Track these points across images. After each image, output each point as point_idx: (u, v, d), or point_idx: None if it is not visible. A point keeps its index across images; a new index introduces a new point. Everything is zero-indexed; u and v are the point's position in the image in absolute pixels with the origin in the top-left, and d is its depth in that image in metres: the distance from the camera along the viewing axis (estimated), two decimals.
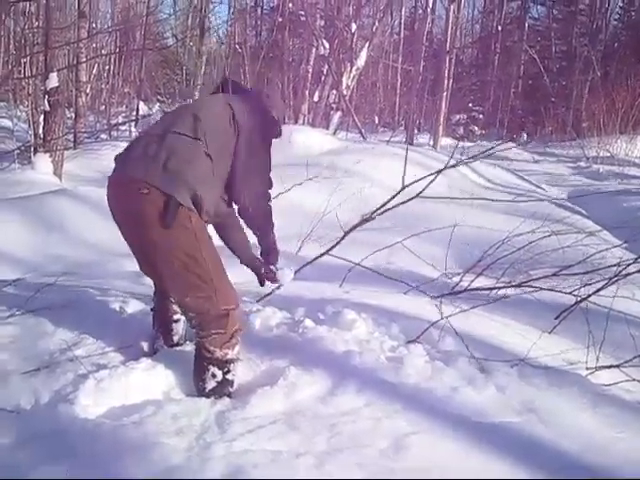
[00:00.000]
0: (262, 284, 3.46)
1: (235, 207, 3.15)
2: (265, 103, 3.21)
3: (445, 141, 20.13)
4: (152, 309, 3.35)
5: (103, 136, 15.85)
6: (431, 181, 4.30)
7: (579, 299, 4.07)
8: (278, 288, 3.78)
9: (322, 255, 4.35)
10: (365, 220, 4.25)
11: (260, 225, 3.21)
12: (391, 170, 8.61)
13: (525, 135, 27.11)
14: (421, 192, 4.25)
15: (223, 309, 2.85)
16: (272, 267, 3.35)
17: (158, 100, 25.07)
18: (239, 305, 3.00)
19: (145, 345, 3.26)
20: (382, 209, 4.34)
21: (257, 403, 2.70)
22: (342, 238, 4.37)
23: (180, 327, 3.31)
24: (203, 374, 2.86)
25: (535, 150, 21.76)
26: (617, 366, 3.28)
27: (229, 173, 2.97)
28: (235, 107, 2.98)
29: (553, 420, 2.77)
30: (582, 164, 17.88)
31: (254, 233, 3.26)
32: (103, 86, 22.37)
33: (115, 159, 2.95)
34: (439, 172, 4.26)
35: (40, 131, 10.45)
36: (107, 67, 23.33)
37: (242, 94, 3.23)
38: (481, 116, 29.61)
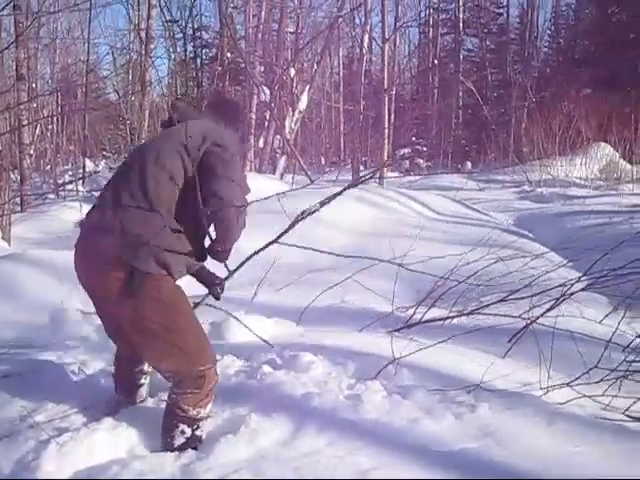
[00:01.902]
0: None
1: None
2: (217, 119, 3.15)
3: (391, 176, 20.39)
4: (113, 374, 3.32)
5: (51, 196, 15.73)
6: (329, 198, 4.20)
7: (529, 322, 4.19)
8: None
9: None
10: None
11: (230, 230, 2.91)
12: (339, 210, 8.75)
13: (469, 164, 27.62)
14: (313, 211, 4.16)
15: (199, 370, 2.84)
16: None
17: (104, 156, 25.03)
18: (215, 363, 2.98)
19: (106, 405, 3.23)
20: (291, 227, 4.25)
21: (221, 452, 2.72)
22: (269, 244, 4.27)
23: (144, 390, 3.29)
24: (172, 431, 2.84)
25: (480, 178, 22.18)
26: (568, 384, 3.38)
27: (205, 190, 2.78)
28: (186, 138, 2.84)
29: (510, 441, 2.85)
30: (526, 188, 18.26)
31: (218, 237, 2.95)
32: (47, 146, 22.26)
33: (80, 223, 2.93)
34: (339, 193, 4.23)
35: None
36: (50, 126, 23.23)
37: (193, 114, 3.14)
38: (425, 149, 30.12)
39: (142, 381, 3.26)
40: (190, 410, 2.84)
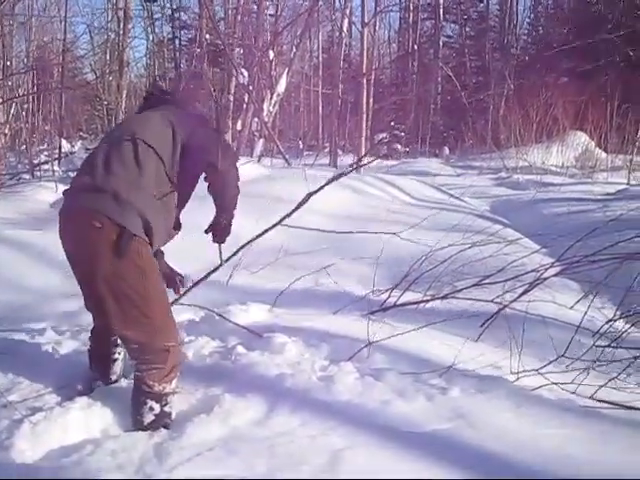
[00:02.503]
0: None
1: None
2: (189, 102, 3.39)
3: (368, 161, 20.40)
4: (89, 349, 3.35)
5: (26, 176, 15.56)
6: (315, 191, 4.30)
7: (501, 306, 4.24)
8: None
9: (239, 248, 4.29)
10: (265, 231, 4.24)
11: (233, 198, 3.19)
12: (318, 195, 8.76)
13: (447, 149, 27.71)
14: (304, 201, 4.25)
15: (164, 345, 2.89)
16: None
17: (80, 137, 24.77)
18: (179, 342, 3.07)
19: (81, 384, 3.24)
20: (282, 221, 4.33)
21: (194, 432, 2.74)
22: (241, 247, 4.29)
23: (118, 367, 3.33)
24: (141, 408, 2.88)
25: (457, 164, 22.28)
26: (537, 371, 3.42)
27: (188, 186, 3.09)
28: (171, 117, 3.04)
29: (481, 423, 2.90)
30: (503, 175, 18.36)
31: (223, 203, 3.18)
32: (22, 125, 21.98)
33: (64, 193, 2.98)
34: (328, 182, 4.32)
35: None
36: (25, 106, 22.94)
37: (170, 102, 3.28)
38: (403, 134, 30.14)
39: (116, 356, 3.30)
40: (155, 385, 2.88)
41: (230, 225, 3.24)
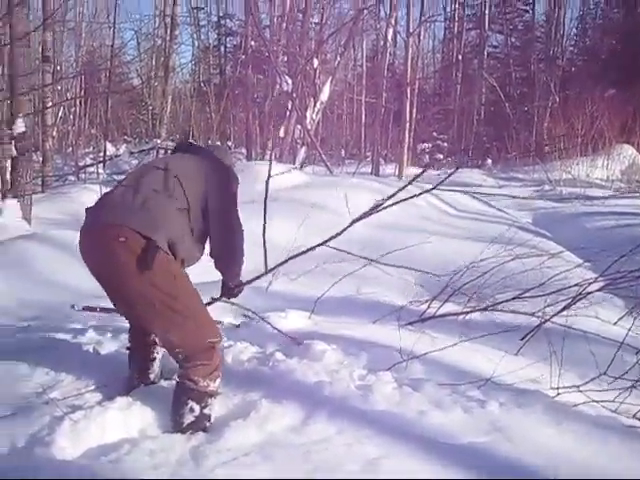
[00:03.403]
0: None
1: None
2: (221, 157, 3.39)
3: (411, 170, 20.34)
4: (128, 348, 3.39)
5: (71, 178, 15.81)
6: (379, 204, 4.31)
7: (542, 320, 4.19)
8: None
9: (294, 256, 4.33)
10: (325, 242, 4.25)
11: (236, 269, 3.38)
12: (357, 202, 8.75)
13: (490, 161, 27.49)
14: (370, 213, 4.28)
15: (208, 342, 2.93)
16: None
17: (125, 140, 25.10)
18: (222, 338, 3.11)
19: (121, 384, 3.29)
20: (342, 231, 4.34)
21: (231, 436, 2.76)
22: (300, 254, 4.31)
23: (157, 365, 3.37)
24: (181, 409, 2.91)
25: (500, 175, 22.08)
26: (578, 388, 3.36)
27: (206, 229, 3.12)
28: (201, 165, 3.15)
29: (519, 438, 2.86)
30: (546, 187, 18.14)
31: (227, 275, 3.42)
32: (70, 128, 22.37)
33: (86, 210, 3.02)
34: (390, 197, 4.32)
35: (8, 177, 10.44)
36: (73, 109, 23.35)
37: (199, 152, 3.36)
38: (445, 144, 29.97)
39: (154, 355, 3.35)
40: (200, 381, 2.91)
41: (240, 285, 3.52)
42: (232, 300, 3.85)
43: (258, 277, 4.09)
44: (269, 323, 4.10)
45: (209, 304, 3.78)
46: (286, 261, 4.19)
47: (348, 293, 5.09)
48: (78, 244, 2.97)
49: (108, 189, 3.20)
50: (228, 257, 3.25)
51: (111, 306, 3.32)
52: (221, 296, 3.63)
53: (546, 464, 2.66)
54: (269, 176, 4.31)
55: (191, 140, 3.94)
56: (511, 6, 33.95)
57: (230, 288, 3.48)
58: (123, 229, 2.76)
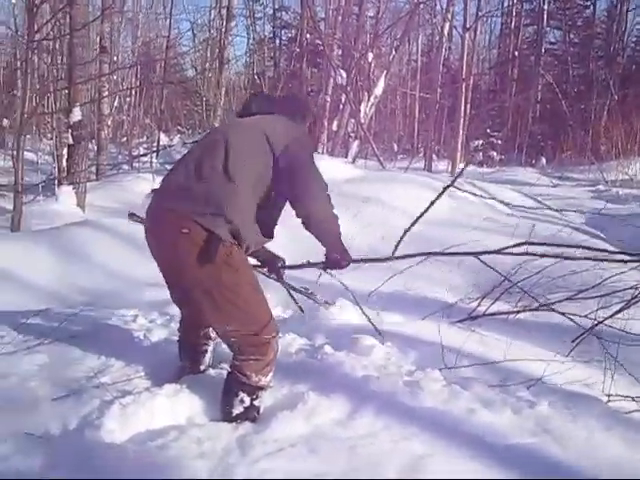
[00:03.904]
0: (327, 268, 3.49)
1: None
2: (293, 111, 3.21)
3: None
4: (178, 340, 3.41)
5: (125, 167, 16.07)
6: (432, 202, 4.29)
7: (595, 322, 4.11)
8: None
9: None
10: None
11: (333, 235, 3.16)
12: (410, 197, 8.70)
13: (544, 159, 27.06)
14: (422, 214, 4.27)
15: (264, 337, 2.91)
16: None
17: (178, 131, 25.41)
18: (278, 333, 3.07)
19: (169, 372, 3.32)
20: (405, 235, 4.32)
21: (277, 427, 2.76)
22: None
23: (208, 357, 3.38)
24: (232, 399, 2.91)
25: (554, 174, 21.74)
26: (632, 398, 3.28)
27: (277, 206, 3.03)
28: (268, 130, 2.95)
29: (568, 441, 2.81)
30: (601, 187, 17.79)
31: (324, 241, 3.18)
32: (124, 118, 22.72)
33: (153, 191, 3.02)
34: (442, 192, 4.29)
35: (64, 164, 10.65)
36: (128, 99, 23.69)
37: (271, 107, 3.19)
38: (499, 141, 29.62)
39: (206, 347, 3.35)
40: (253, 376, 2.91)
41: (345, 256, 3.26)
42: (331, 272, 3.68)
43: (378, 260, 4.04)
44: (341, 282, 4.05)
45: (301, 266, 3.80)
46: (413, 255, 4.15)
47: (397, 288, 5.05)
48: (144, 225, 2.99)
49: (161, 178, 3.18)
50: (317, 224, 3.03)
51: None
52: (325, 268, 3.46)
53: (593, 469, 2.61)
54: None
55: (263, 94, 3.73)
56: (570, 1, 33.28)
57: (334, 259, 3.26)
58: (186, 220, 2.75)
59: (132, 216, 3.74)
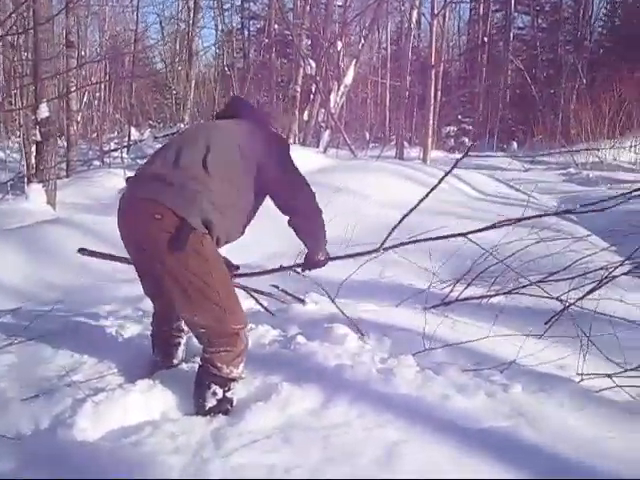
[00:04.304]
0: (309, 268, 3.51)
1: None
2: (268, 120, 3.31)
3: (435, 154, 20.25)
4: (151, 334, 3.40)
5: (96, 163, 15.93)
6: (427, 194, 4.29)
7: (567, 304, 4.13)
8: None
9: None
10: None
11: (316, 229, 3.24)
12: (381, 185, 8.71)
13: (515, 144, 27.24)
14: (416, 206, 4.27)
15: (232, 328, 2.91)
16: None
17: (149, 125, 25.20)
18: (247, 325, 3.08)
19: (143, 367, 3.30)
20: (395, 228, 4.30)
21: (251, 419, 2.76)
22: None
23: (181, 351, 3.38)
24: (204, 392, 2.91)
25: (525, 159, 21.89)
26: (606, 375, 3.30)
27: (253, 205, 3.05)
28: (243, 137, 3.01)
29: (542, 423, 2.83)
30: (572, 170, 17.97)
31: (308, 239, 3.28)
32: (94, 113, 22.51)
33: (127, 180, 3.01)
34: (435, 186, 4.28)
35: (32, 161, 10.52)
36: (97, 94, 23.47)
37: (248, 115, 3.25)
38: (471, 127, 29.78)
39: (179, 340, 3.35)
40: (224, 368, 2.91)
41: (326, 257, 3.38)
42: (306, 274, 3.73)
43: (366, 253, 4.03)
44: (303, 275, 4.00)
45: (275, 271, 3.81)
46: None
47: (371, 277, 5.06)
48: (117, 212, 2.96)
49: (132, 173, 3.16)
50: (304, 223, 3.15)
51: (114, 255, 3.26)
52: (303, 268, 3.51)
53: (567, 448, 2.63)
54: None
55: (240, 101, 3.77)
56: None
57: (314, 261, 3.37)
58: (159, 206, 2.74)
59: (82, 250, 3.85)
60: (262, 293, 4.25)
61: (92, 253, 3.93)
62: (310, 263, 3.40)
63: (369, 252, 4.01)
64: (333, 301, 4.11)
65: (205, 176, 2.83)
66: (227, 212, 2.90)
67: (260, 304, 4.21)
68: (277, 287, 4.26)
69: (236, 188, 2.93)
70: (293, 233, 3.21)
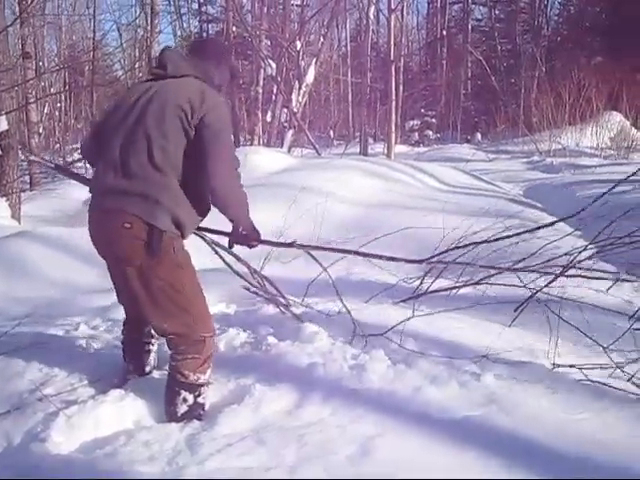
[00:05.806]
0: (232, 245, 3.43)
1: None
2: (210, 70, 3.13)
3: (399, 148, 20.34)
4: (122, 341, 3.38)
5: (59, 175, 15.75)
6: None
7: (534, 291, 4.17)
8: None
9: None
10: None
11: (236, 210, 3.04)
12: (346, 183, 8.72)
13: (479, 134, 27.46)
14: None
15: (200, 335, 2.92)
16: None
17: None
18: (215, 332, 3.09)
19: (115, 377, 3.28)
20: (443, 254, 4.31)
21: (225, 422, 2.76)
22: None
23: (152, 358, 3.36)
24: (175, 399, 2.91)
25: (489, 149, 22.07)
26: (580, 369, 3.32)
27: (199, 166, 2.84)
28: (184, 105, 2.82)
29: (514, 409, 2.87)
30: (535, 158, 18.16)
31: (230, 219, 3.09)
32: (56, 124, 22.28)
33: (91, 191, 2.98)
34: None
35: None
36: (58, 105, 23.23)
37: (187, 69, 3.04)
38: (434, 120, 29.94)
39: (150, 347, 3.33)
40: (190, 375, 2.91)
41: (252, 231, 3.19)
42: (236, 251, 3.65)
43: (283, 244, 3.93)
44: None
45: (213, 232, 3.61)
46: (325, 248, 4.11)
47: (340, 274, 5.06)
48: (88, 224, 2.94)
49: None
50: (223, 197, 2.91)
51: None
52: (230, 242, 3.36)
53: (540, 434, 2.68)
54: None
55: (173, 54, 3.49)
56: None
57: (240, 234, 3.18)
58: (127, 215, 2.73)
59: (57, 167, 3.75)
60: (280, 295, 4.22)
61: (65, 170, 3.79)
62: (235, 235, 3.22)
63: (284, 245, 3.92)
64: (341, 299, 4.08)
65: (160, 177, 2.79)
66: (189, 202, 2.87)
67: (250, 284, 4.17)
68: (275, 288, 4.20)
69: (189, 171, 2.84)
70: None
